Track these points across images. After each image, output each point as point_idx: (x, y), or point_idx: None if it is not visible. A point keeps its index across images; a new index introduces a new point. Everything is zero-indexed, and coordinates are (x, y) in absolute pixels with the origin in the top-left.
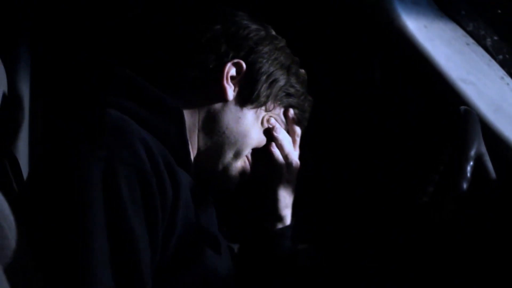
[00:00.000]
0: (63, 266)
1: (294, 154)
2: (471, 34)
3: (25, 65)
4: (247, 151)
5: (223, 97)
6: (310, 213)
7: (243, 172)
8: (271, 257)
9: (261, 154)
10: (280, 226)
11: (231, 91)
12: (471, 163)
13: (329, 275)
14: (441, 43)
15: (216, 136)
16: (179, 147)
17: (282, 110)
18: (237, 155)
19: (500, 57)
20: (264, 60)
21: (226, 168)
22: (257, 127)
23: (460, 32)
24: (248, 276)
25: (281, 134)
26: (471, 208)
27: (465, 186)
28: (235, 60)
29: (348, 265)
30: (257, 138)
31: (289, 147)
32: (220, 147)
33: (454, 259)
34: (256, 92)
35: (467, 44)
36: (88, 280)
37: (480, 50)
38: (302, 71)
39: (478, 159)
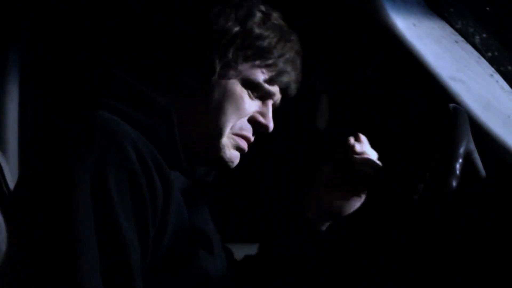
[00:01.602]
0: (52, 270)
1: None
2: (460, 31)
3: (14, 65)
4: (231, 123)
5: (190, 88)
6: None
7: (238, 148)
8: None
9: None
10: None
11: (187, 75)
12: (460, 160)
13: (329, 275)
14: (430, 41)
15: (199, 125)
16: (169, 146)
17: (255, 68)
18: (221, 128)
19: (489, 54)
20: (213, 26)
21: (219, 148)
22: (232, 99)
23: (449, 30)
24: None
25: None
26: (461, 205)
27: (454, 184)
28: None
29: (348, 265)
30: (238, 109)
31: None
32: (205, 128)
33: (446, 256)
34: (211, 64)
35: (456, 42)
36: (77, 285)
37: (469, 47)
38: (268, 10)
39: (467, 157)
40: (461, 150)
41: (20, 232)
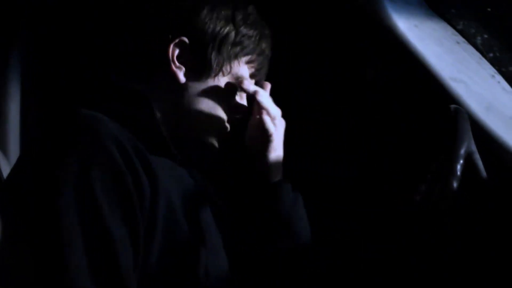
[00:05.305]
0: (41, 273)
1: (279, 115)
2: (461, 32)
3: (16, 66)
4: (224, 121)
5: (177, 82)
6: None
7: (228, 136)
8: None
9: (246, 121)
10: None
11: (181, 74)
12: (461, 161)
13: (329, 274)
14: (432, 42)
15: (188, 118)
16: (153, 132)
17: (242, 64)
18: (214, 128)
19: (491, 55)
20: (206, 25)
21: (211, 144)
22: (224, 95)
23: (450, 30)
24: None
25: (263, 97)
26: (462, 206)
27: (455, 185)
28: (176, 40)
29: (348, 264)
30: (229, 105)
31: (274, 110)
32: (195, 127)
33: (447, 256)
34: (207, 63)
35: (458, 42)
36: (66, 285)
37: (471, 48)
38: (249, 8)
39: (468, 158)
40: (462, 151)
41: (10, 229)
